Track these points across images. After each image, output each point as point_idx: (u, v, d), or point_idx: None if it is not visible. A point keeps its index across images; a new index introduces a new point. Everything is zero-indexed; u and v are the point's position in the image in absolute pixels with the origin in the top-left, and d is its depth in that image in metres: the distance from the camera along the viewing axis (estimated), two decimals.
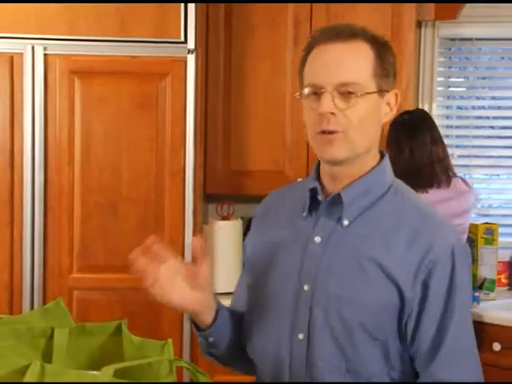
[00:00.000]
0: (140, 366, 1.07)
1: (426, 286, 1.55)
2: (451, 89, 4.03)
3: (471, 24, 3.80)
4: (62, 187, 3.13)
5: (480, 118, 4.00)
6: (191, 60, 3.10)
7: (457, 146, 3.96)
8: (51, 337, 1.15)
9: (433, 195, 3.04)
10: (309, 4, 3.44)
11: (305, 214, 1.66)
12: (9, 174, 3.11)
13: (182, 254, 3.15)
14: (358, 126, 1.55)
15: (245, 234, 3.55)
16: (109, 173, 3.14)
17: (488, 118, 4.02)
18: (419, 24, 3.76)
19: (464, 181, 3.28)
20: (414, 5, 3.41)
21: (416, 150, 3.15)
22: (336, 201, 1.62)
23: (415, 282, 1.55)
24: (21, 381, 0.98)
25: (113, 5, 3.08)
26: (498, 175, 4.01)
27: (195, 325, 1.66)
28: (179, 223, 3.16)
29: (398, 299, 1.55)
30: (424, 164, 3.14)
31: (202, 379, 1.17)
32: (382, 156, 1.68)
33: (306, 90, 1.58)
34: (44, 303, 3.14)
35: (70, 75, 3.10)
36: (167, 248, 1.53)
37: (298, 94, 1.62)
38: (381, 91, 1.58)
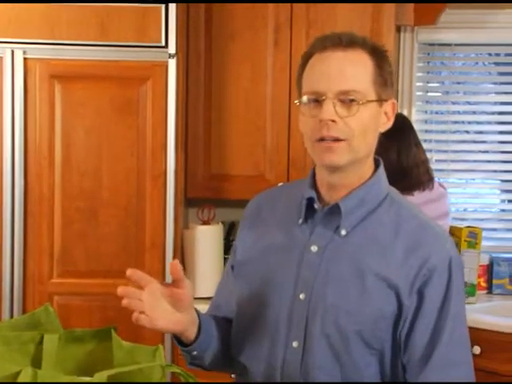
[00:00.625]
0: (132, 371, 1.06)
1: (421, 295, 1.56)
2: (430, 94, 4.05)
3: (450, 30, 3.82)
4: (42, 192, 3.11)
5: (457, 122, 4.02)
6: (172, 64, 3.10)
7: (436, 151, 3.98)
8: (40, 343, 1.15)
9: (417, 198, 3.02)
10: (289, 9, 3.44)
11: (300, 221, 1.66)
12: None
13: (163, 260, 3.14)
14: (360, 134, 1.56)
15: (226, 238, 3.55)
16: (89, 178, 3.13)
17: (463, 122, 4.04)
18: (398, 29, 3.78)
19: (440, 184, 3.30)
20: (393, 10, 3.42)
21: (403, 152, 3.12)
22: (334, 210, 1.62)
23: (412, 291, 1.56)
24: None
25: (93, 9, 3.07)
26: (473, 179, 4.04)
27: (177, 340, 1.65)
28: (160, 228, 3.15)
29: (396, 308, 1.56)
30: (411, 166, 3.11)
31: None
32: (377, 164, 1.69)
33: (306, 97, 1.58)
34: (24, 308, 3.12)
35: (50, 80, 3.09)
36: (145, 275, 1.52)
37: (297, 101, 1.62)
38: (380, 100, 1.59)
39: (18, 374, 0.99)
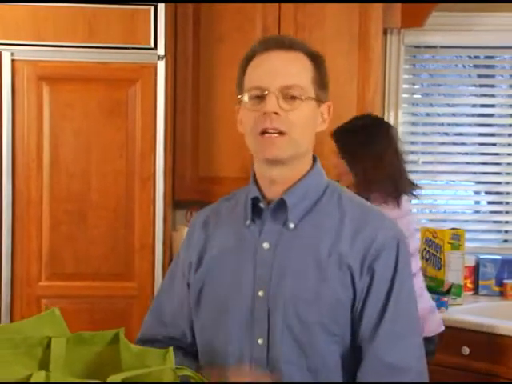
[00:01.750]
0: (145, 374, 1.06)
1: (372, 272, 1.61)
2: (416, 96, 4.07)
3: (436, 32, 3.84)
4: (31, 195, 3.10)
5: (443, 124, 4.05)
6: (161, 66, 3.09)
7: (422, 153, 4.00)
8: (48, 346, 1.14)
9: (392, 210, 2.83)
10: (277, 12, 3.45)
11: (248, 222, 1.69)
12: None
13: (153, 261, 3.14)
14: (301, 128, 1.62)
15: None
16: (78, 180, 3.12)
17: (449, 124, 4.07)
18: (385, 31, 3.79)
19: (406, 200, 3.04)
20: (381, 12, 3.44)
21: (378, 161, 2.90)
22: (280, 205, 1.66)
23: (362, 271, 1.61)
24: None
25: (81, 10, 3.06)
26: (454, 181, 4.06)
27: None
28: (149, 230, 3.14)
29: (352, 292, 1.60)
30: (389, 175, 2.91)
31: None
32: (314, 160, 1.73)
33: (248, 94, 1.62)
34: (11, 311, 3.11)
35: (38, 81, 3.08)
36: None
37: (240, 96, 1.66)
38: (318, 100, 1.66)
39: (28, 377, 0.99)
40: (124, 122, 3.11)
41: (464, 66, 4.14)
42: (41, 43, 3.07)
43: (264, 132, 1.60)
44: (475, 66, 4.12)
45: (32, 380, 0.97)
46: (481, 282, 3.73)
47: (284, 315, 1.60)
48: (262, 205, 1.68)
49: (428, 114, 4.05)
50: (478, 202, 4.13)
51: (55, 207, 3.11)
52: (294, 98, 1.60)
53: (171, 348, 1.22)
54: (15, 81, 3.07)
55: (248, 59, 1.66)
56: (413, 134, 4.02)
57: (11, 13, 3.03)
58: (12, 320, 3.09)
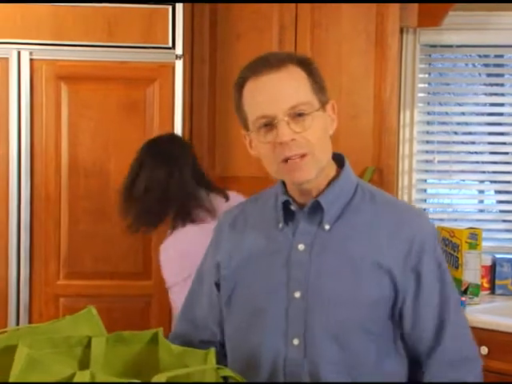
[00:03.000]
0: (188, 374, 1.06)
1: (417, 273, 1.62)
2: (431, 95, 4.06)
3: (452, 31, 3.84)
4: (49, 193, 3.11)
5: (457, 124, 4.04)
6: (179, 65, 3.10)
7: (438, 152, 3.99)
8: (88, 345, 1.14)
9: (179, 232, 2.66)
10: (294, 9, 3.45)
11: (281, 225, 1.70)
12: None
13: None
14: (319, 144, 1.61)
15: None
16: (96, 179, 3.12)
17: (466, 124, 4.05)
18: (401, 30, 3.79)
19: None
20: (398, 11, 3.43)
21: (174, 176, 2.67)
22: (314, 207, 1.66)
23: (405, 270, 1.61)
24: None
25: (100, 10, 3.07)
26: (464, 181, 4.06)
27: None
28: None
29: (392, 289, 1.61)
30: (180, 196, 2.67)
31: None
32: (341, 160, 1.74)
33: (256, 125, 1.60)
34: (30, 310, 3.11)
35: (56, 81, 3.09)
36: None
37: (246, 132, 1.67)
38: (322, 105, 1.64)
39: (71, 376, 0.99)
40: (142, 121, 3.12)
41: (474, 65, 4.13)
42: (60, 43, 3.08)
43: (285, 160, 1.59)
44: (486, 66, 4.11)
45: (76, 379, 0.97)
46: (497, 282, 3.72)
47: (322, 315, 1.61)
48: (293, 207, 1.68)
49: (447, 113, 4.03)
50: (502, 202, 4.11)
51: (73, 206, 3.12)
52: (302, 115, 1.58)
53: (213, 349, 1.23)
54: (34, 80, 3.07)
55: (240, 85, 1.65)
56: (428, 133, 4.01)
57: (30, 12, 3.04)
58: (31, 319, 3.10)
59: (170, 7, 3.08)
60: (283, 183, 1.72)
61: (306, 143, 1.58)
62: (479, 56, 4.05)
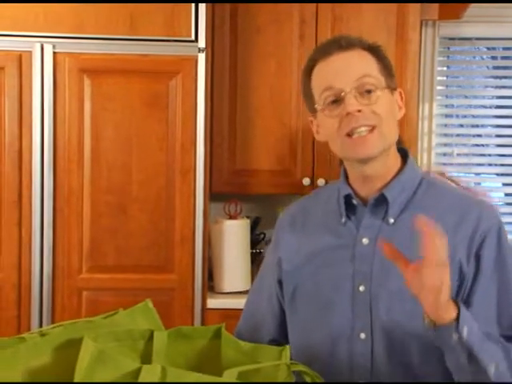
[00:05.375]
0: (259, 369, 1.05)
1: (478, 257, 1.59)
2: (450, 88, 4.05)
3: (471, 24, 3.83)
4: (72, 187, 3.10)
5: (477, 117, 4.03)
6: (201, 59, 3.09)
7: (456, 145, 3.99)
8: (149, 339, 1.14)
9: None
10: (314, 4, 3.44)
11: (343, 219, 1.69)
12: (17, 174, 3.07)
13: (193, 254, 3.14)
14: (386, 120, 1.60)
15: (251, 233, 3.54)
16: (119, 172, 3.12)
17: (483, 117, 4.05)
18: (420, 23, 3.77)
19: None
20: (418, 5, 3.43)
21: None
22: (379, 201, 1.65)
23: (469, 258, 1.59)
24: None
25: (122, 3, 3.05)
26: (479, 174, 4.06)
27: None
28: (189, 223, 3.14)
29: (459, 277, 1.59)
30: None
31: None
32: (405, 154, 1.72)
33: (323, 98, 1.61)
34: (53, 304, 3.11)
35: (79, 74, 3.08)
36: None
37: (313, 116, 1.67)
38: (390, 88, 1.64)
39: (139, 369, 0.99)
40: (164, 115, 3.11)
41: (494, 58, 4.12)
42: (82, 36, 3.06)
43: (351, 133, 1.58)
44: (505, 58, 4.09)
45: (143, 373, 0.97)
46: None
47: (388, 310, 1.60)
48: (355, 201, 1.68)
49: (469, 106, 4.02)
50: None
51: (96, 200, 3.12)
52: (369, 91, 1.59)
53: (288, 346, 1.22)
54: (57, 73, 3.06)
55: (310, 68, 1.66)
56: (447, 126, 4.00)
57: (53, 6, 3.03)
58: (53, 313, 3.10)
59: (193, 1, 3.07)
60: (345, 175, 1.71)
61: (373, 116, 1.58)
62: (496, 49, 4.03)
